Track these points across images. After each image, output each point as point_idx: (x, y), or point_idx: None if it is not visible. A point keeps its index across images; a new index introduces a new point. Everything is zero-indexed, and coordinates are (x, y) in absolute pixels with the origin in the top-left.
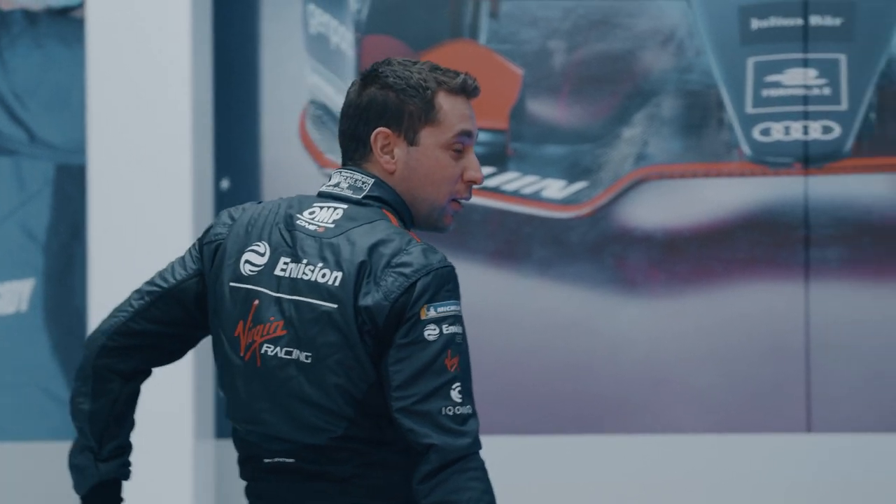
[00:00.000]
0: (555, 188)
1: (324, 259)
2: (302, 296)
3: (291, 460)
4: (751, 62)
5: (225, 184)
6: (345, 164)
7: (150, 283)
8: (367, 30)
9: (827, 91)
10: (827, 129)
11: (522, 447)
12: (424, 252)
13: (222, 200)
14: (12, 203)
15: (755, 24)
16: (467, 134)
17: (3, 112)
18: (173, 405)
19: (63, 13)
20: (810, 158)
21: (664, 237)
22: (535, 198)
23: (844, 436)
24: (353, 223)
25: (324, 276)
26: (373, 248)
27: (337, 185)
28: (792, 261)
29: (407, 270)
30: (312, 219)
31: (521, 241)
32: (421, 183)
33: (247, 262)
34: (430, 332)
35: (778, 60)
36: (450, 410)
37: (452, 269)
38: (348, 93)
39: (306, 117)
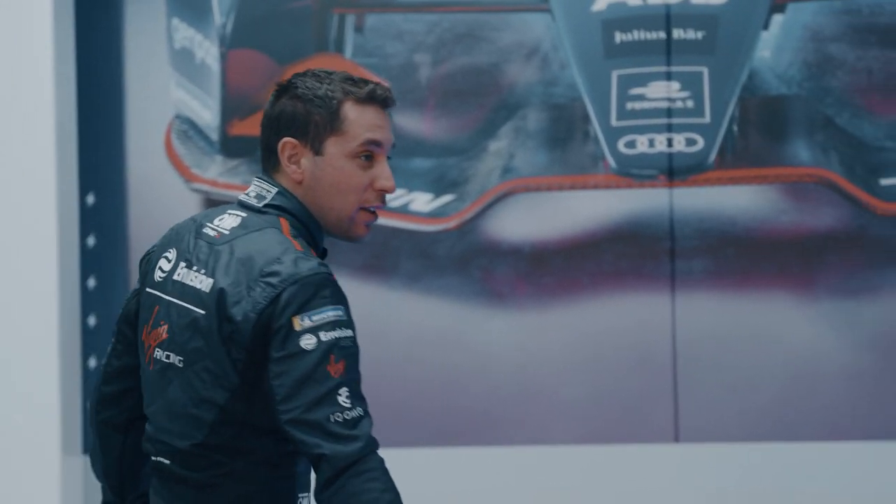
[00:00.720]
0: (422, 201)
1: (205, 265)
2: (182, 300)
3: (167, 461)
4: (615, 75)
5: (91, 199)
6: (262, 174)
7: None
8: (231, 44)
9: (690, 104)
10: (691, 142)
11: (392, 460)
12: (296, 261)
13: (88, 215)
14: None
15: (619, 37)
16: (375, 143)
17: None
18: (40, 420)
19: None
20: (675, 171)
21: (531, 250)
22: (403, 211)
23: (711, 445)
24: (244, 231)
25: (200, 282)
26: (249, 258)
27: (248, 193)
28: (658, 272)
29: (274, 280)
30: (217, 225)
31: (388, 255)
32: (327, 192)
33: (159, 268)
34: (307, 342)
35: (641, 73)
36: (338, 416)
37: (326, 275)
38: (266, 104)
39: (172, 132)
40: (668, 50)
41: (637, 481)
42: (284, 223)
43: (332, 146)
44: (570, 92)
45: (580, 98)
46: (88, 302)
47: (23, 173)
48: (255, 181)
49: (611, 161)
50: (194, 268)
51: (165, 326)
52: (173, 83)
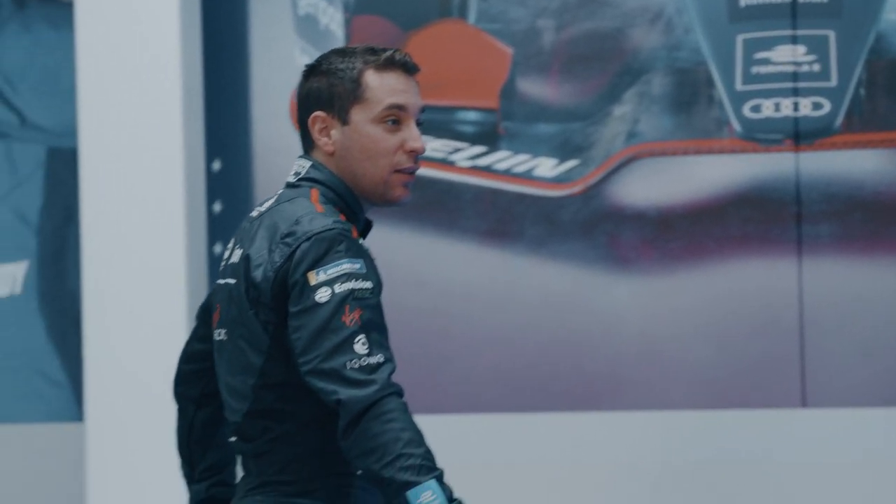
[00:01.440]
0: (546, 166)
1: (241, 241)
2: (225, 278)
3: (234, 438)
4: (740, 39)
5: (217, 165)
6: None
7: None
8: (355, 10)
9: (816, 67)
10: (817, 106)
11: (516, 425)
12: (311, 220)
13: (214, 182)
14: (4, 187)
15: (744, 1)
16: (398, 107)
17: None
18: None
19: None
20: (801, 135)
21: (656, 214)
22: (527, 176)
23: (839, 410)
24: (276, 203)
25: (236, 256)
26: (274, 224)
27: (291, 173)
28: (784, 237)
29: (290, 240)
30: (260, 207)
31: (513, 220)
32: (358, 159)
33: (225, 257)
34: (322, 295)
35: (767, 37)
36: (355, 363)
37: (340, 230)
38: (297, 87)
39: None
40: (794, 13)
41: (763, 446)
42: (314, 192)
43: (357, 114)
44: (694, 56)
45: (705, 62)
46: (214, 270)
47: (150, 141)
48: (297, 161)
49: (736, 125)
50: (236, 247)
51: (219, 307)
52: (298, 50)
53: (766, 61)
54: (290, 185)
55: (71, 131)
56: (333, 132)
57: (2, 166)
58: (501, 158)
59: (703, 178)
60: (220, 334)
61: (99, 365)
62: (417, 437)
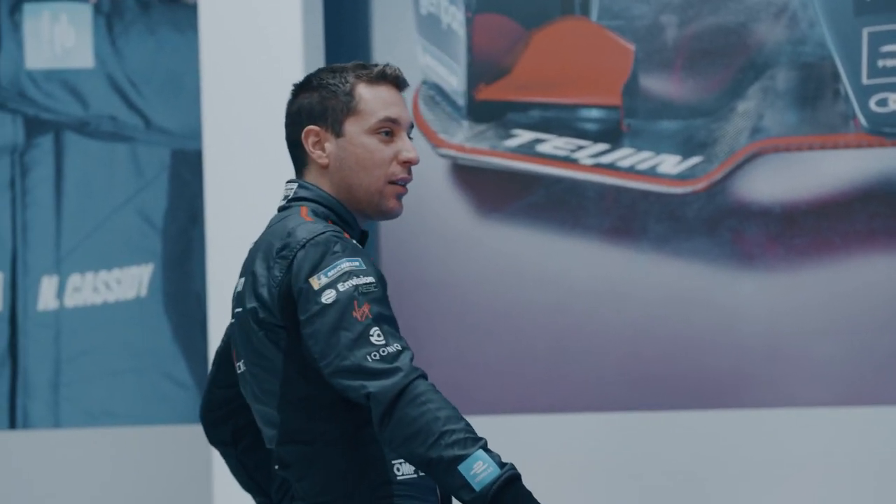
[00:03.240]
0: (670, 163)
1: (244, 270)
2: (235, 308)
3: (276, 467)
4: (865, 32)
5: None
6: (296, 175)
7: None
8: (477, 8)
9: None
10: None
11: (642, 423)
12: (302, 228)
13: None
14: (130, 189)
15: None
16: (392, 120)
17: (118, 99)
18: None
19: (174, 0)
20: None
21: (781, 211)
22: (651, 173)
23: None
24: (268, 227)
25: (239, 285)
26: (269, 245)
27: (282, 198)
28: None
29: (286, 252)
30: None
31: (636, 217)
32: (353, 170)
33: (234, 290)
34: (327, 297)
35: (893, 31)
36: (375, 355)
37: (332, 233)
38: (287, 106)
39: (419, 98)
40: None
41: (891, 444)
42: (303, 209)
43: (351, 126)
44: (819, 50)
45: (830, 56)
46: None
47: (274, 143)
48: (285, 186)
49: (862, 120)
50: (240, 277)
51: (234, 340)
52: (420, 49)
53: (892, 54)
54: (280, 210)
55: (195, 134)
56: (328, 145)
57: (127, 169)
58: (624, 156)
59: (829, 173)
60: (240, 367)
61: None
62: (455, 413)
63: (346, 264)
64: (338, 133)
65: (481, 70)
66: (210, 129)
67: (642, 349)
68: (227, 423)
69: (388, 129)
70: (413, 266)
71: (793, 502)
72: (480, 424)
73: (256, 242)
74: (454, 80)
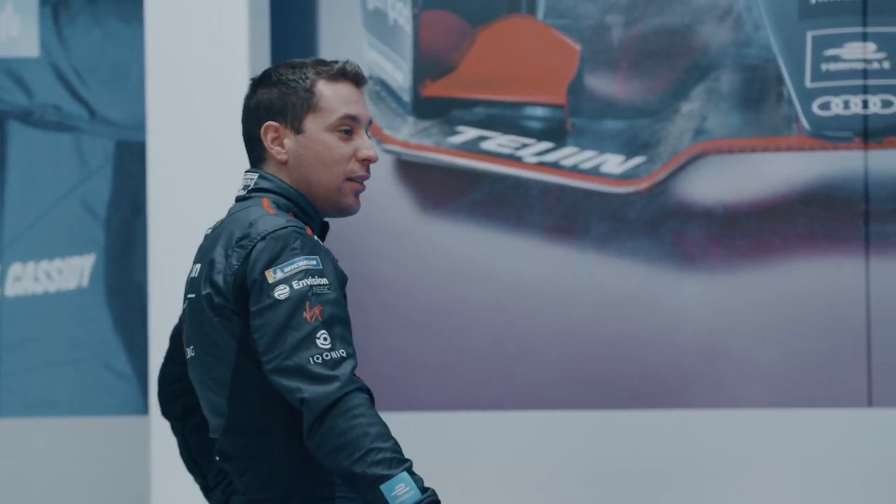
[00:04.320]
0: (613, 163)
1: (200, 256)
2: (189, 294)
3: (217, 458)
4: (809, 36)
5: None
6: (250, 168)
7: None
8: (424, 5)
9: (886, 65)
10: (886, 104)
11: (582, 422)
12: (265, 221)
13: None
14: (73, 180)
15: None
16: (352, 118)
17: (63, 89)
18: None
19: None
20: (870, 132)
21: (723, 212)
22: (594, 173)
23: None
24: (229, 216)
25: (194, 271)
26: (229, 233)
27: (240, 187)
28: (852, 236)
29: (245, 242)
30: (213, 224)
31: (579, 216)
32: (312, 167)
33: (188, 276)
34: (280, 292)
35: (837, 34)
36: (318, 358)
37: (294, 228)
38: (244, 100)
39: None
40: (865, 10)
41: (829, 446)
42: (265, 200)
43: (311, 122)
44: (763, 53)
45: (774, 59)
46: None
47: (218, 135)
48: (244, 175)
49: (805, 123)
50: (195, 263)
51: (185, 326)
52: (366, 44)
53: (835, 58)
54: (239, 199)
55: (139, 125)
56: (287, 141)
57: (71, 159)
58: (568, 154)
59: (771, 175)
60: (190, 351)
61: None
62: (385, 431)
63: (303, 262)
64: (297, 129)
65: (427, 66)
66: (154, 121)
67: (583, 348)
68: (179, 398)
69: (348, 127)
70: (356, 261)
71: (735, 500)
72: (419, 421)
73: (215, 229)
74: (400, 76)
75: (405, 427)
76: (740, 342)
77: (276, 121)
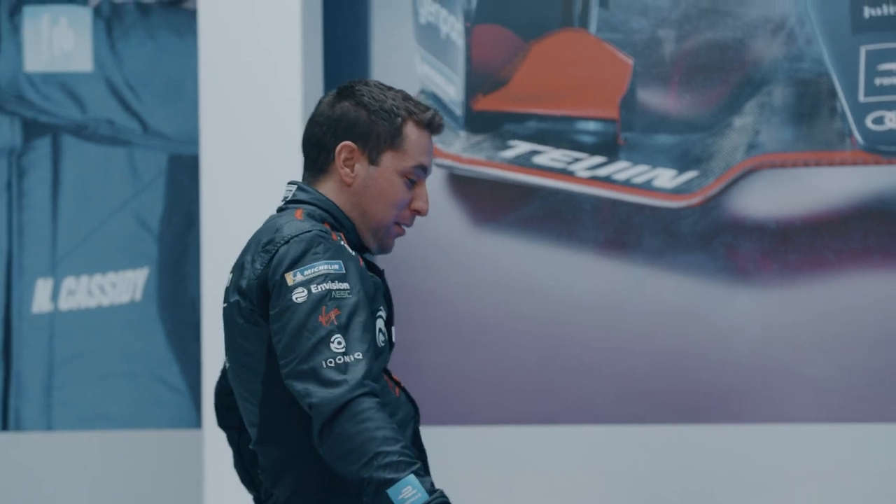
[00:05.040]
0: (665, 177)
1: (234, 266)
2: (223, 303)
3: (258, 469)
4: (863, 50)
5: None
6: (304, 172)
7: None
8: (476, 19)
9: None
10: None
11: (634, 436)
12: (290, 226)
13: None
14: (127, 194)
15: (867, 11)
16: (423, 168)
17: (117, 103)
18: None
19: (175, 4)
20: None
21: (776, 227)
22: (646, 187)
23: None
24: (262, 226)
25: (229, 280)
26: (257, 240)
27: (281, 199)
28: None
29: (269, 247)
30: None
31: (631, 231)
32: (373, 200)
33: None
34: (299, 295)
35: (891, 49)
36: (330, 362)
37: (318, 233)
38: (321, 102)
39: None
40: None
41: (884, 461)
42: (299, 211)
43: (388, 160)
44: (816, 67)
45: (827, 73)
46: None
47: (271, 149)
48: (287, 186)
49: (858, 137)
50: (231, 273)
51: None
52: (418, 58)
53: (889, 73)
54: (278, 210)
55: (192, 139)
56: (358, 166)
57: (124, 173)
58: (621, 169)
59: (824, 190)
60: (226, 361)
61: (217, 372)
62: (392, 435)
63: (323, 266)
64: (373, 160)
65: (479, 80)
66: (207, 135)
67: (635, 362)
68: (236, 409)
69: (415, 178)
70: (408, 275)
71: None
72: (470, 435)
73: (248, 241)
74: (452, 90)
75: (455, 441)
76: (793, 357)
77: (356, 143)
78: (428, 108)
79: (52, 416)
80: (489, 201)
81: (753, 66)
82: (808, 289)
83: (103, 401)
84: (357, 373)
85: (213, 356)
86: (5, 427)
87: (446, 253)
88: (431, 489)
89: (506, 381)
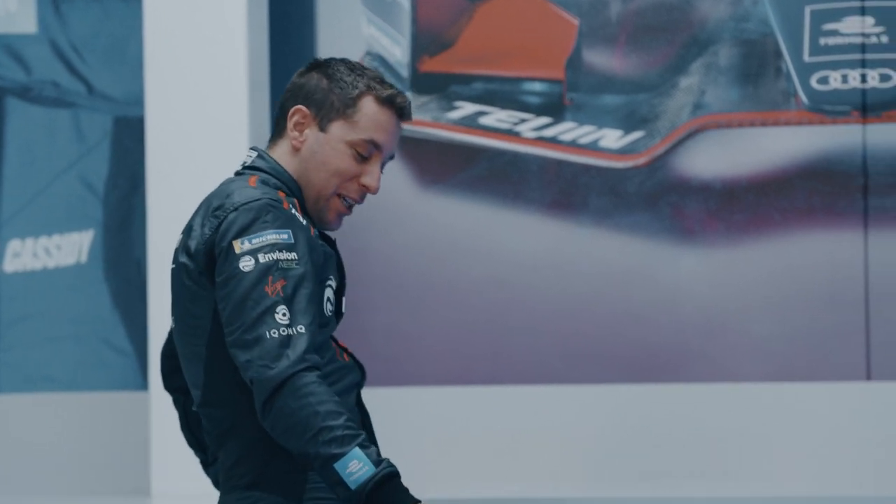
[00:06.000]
0: (612, 138)
1: (185, 227)
2: (171, 264)
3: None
4: (808, 10)
5: None
6: (270, 137)
7: None
8: None
9: (885, 39)
10: (885, 77)
11: (579, 396)
12: (241, 191)
13: None
14: (71, 156)
15: None
16: (376, 145)
17: (61, 65)
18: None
19: None
20: (868, 106)
21: (722, 186)
22: (592, 147)
23: None
24: (215, 189)
25: (178, 241)
26: (208, 203)
27: (240, 163)
28: (850, 209)
29: (219, 212)
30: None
31: (578, 191)
32: (316, 167)
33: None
34: (245, 264)
35: (835, 9)
36: (274, 333)
37: (269, 201)
38: (295, 75)
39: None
40: None
41: (827, 420)
42: (253, 178)
43: (337, 128)
44: (761, 27)
45: (772, 33)
46: None
47: (216, 110)
48: (246, 152)
49: (803, 97)
50: (181, 234)
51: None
52: (365, 19)
53: (834, 32)
54: (235, 174)
55: (137, 100)
56: (308, 131)
57: (69, 135)
58: (567, 129)
59: (770, 149)
60: (172, 321)
61: (164, 334)
62: (335, 409)
63: (272, 236)
64: (322, 127)
65: (425, 42)
66: (153, 97)
67: (582, 323)
68: (181, 372)
69: (367, 153)
70: (354, 236)
71: (728, 476)
72: (417, 396)
73: (200, 203)
74: (398, 52)
75: (403, 402)
76: (738, 316)
77: (308, 108)
78: (392, 88)
79: None
80: (435, 162)
81: (699, 26)
82: (753, 248)
83: (49, 363)
84: (299, 348)
85: (159, 318)
86: None
87: (393, 214)
88: (378, 460)
89: (452, 341)
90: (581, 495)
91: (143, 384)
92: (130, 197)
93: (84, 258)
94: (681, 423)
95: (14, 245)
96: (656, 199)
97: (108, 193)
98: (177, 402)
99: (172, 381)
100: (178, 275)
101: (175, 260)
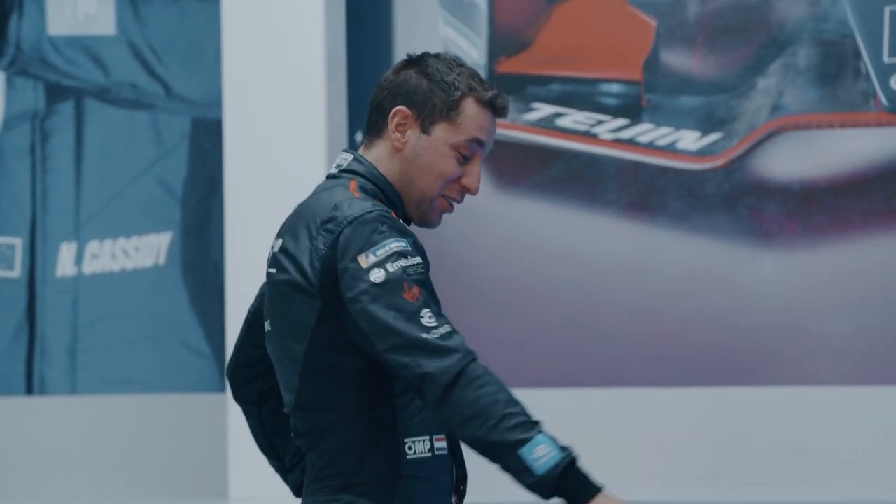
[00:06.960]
0: (689, 139)
1: (283, 232)
2: (269, 268)
3: (293, 435)
4: (887, 11)
5: (359, 136)
6: (363, 137)
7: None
8: None
9: None
10: None
11: (658, 399)
12: (350, 204)
13: None
14: (150, 158)
15: None
16: (479, 142)
17: (140, 67)
18: None
19: None
20: None
21: (800, 188)
22: (670, 149)
23: None
24: (314, 194)
25: (278, 246)
26: (311, 212)
27: (334, 165)
28: None
29: (331, 226)
30: (301, 200)
31: (655, 193)
32: (420, 169)
33: (271, 248)
34: (377, 276)
35: None
36: (429, 334)
37: (379, 212)
38: (389, 71)
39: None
40: None
41: None
42: (353, 182)
43: (440, 130)
44: (841, 28)
45: (851, 34)
46: None
47: (293, 112)
48: (339, 154)
49: (882, 98)
50: (277, 238)
51: (266, 299)
52: (442, 21)
53: None
54: (330, 177)
55: (216, 102)
56: (410, 132)
57: (147, 137)
58: (644, 131)
59: (848, 151)
60: (268, 325)
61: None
62: (512, 397)
63: (394, 244)
64: (425, 129)
65: (502, 43)
66: (231, 98)
67: (659, 325)
68: (254, 383)
69: (469, 153)
70: (432, 239)
71: (811, 478)
72: None
73: (300, 206)
74: (475, 53)
75: None
76: (817, 319)
77: (410, 109)
78: (492, 88)
79: (76, 380)
80: (513, 164)
81: (778, 26)
82: (831, 251)
83: (127, 365)
84: (459, 340)
85: (237, 320)
86: (30, 391)
87: (469, 216)
88: (562, 446)
89: (528, 344)
90: (657, 499)
91: (220, 386)
92: (208, 199)
93: (162, 260)
94: (759, 427)
95: (92, 246)
96: (734, 202)
97: (186, 195)
98: (249, 414)
99: (244, 392)
100: (279, 283)
101: (275, 266)
